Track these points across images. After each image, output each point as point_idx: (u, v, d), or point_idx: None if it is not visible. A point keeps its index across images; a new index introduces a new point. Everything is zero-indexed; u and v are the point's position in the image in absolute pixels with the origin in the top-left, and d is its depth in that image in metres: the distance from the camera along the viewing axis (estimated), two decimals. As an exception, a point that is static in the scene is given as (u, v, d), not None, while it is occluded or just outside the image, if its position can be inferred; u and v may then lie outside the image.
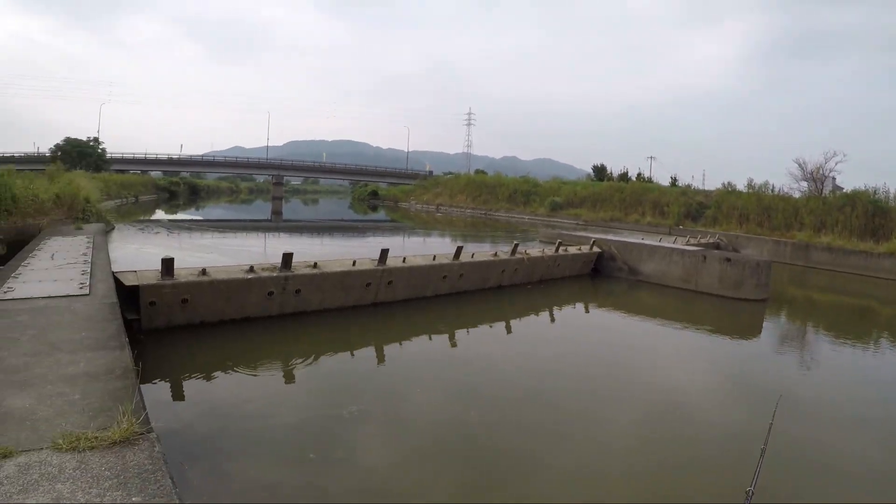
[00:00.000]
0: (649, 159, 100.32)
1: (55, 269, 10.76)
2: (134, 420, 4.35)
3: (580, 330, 15.22)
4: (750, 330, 16.31)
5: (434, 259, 15.96)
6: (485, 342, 12.99)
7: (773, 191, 45.21)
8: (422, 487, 6.39)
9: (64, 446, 3.97)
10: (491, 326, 14.24)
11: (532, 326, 14.89)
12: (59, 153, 63.50)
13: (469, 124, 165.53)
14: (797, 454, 7.94)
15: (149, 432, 4.34)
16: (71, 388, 5.07)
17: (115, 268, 11.57)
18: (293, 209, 75.91)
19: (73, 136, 69.25)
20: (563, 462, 7.23)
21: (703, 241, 31.83)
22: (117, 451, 4.01)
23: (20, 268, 10.62)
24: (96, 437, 4.10)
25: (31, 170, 40.24)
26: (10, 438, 4.08)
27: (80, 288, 9.11)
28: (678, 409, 9.35)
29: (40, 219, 18.30)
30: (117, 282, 10.44)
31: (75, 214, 20.22)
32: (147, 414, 4.66)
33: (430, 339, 12.62)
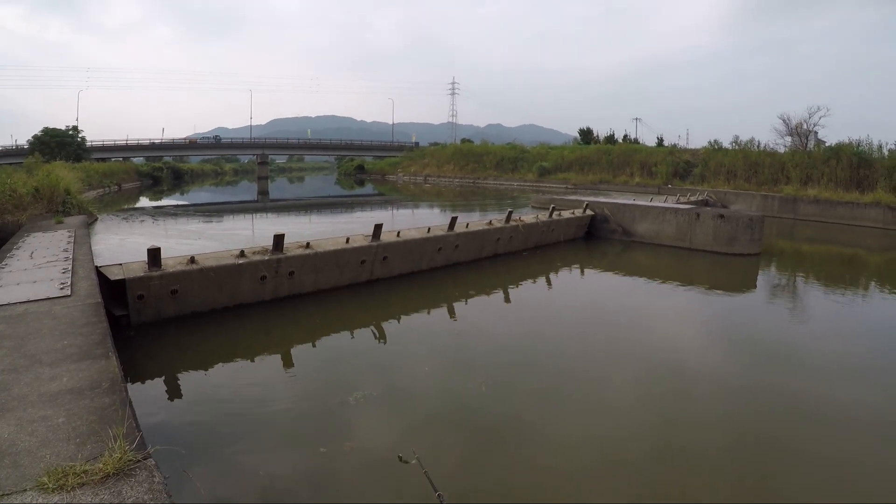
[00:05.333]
0: (635, 121, 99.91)
1: (35, 268, 10.25)
2: (127, 446, 3.87)
3: (577, 294, 15.19)
4: (745, 284, 16.47)
5: (429, 231, 15.69)
6: (483, 312, 12.84)
7: (758, 147, 45.77)
8: (430, 463, 6.21)
9: (50, 485, 3.48)
10: (489, 296, 14.05)
11: (529, 293, 14.75)
12: (38, 144, 62.24)
13: (453, 94, 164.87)
14: (797, 404, 8.15)
15: (146, 458, 3.85)
16: (54, 410, 4.58)
17: (99, 262, 11.15)
18: (279, 188, 75.07)
19: (51, 126, 67.95)
20: (565, 424, 7.33)
21: (692, 198, 32.01)
22: (111, 486, 3.54)
23: (-4, 271, 10.14)
24: (86, 472, 3.62)
25: (10, 164, 39.41)
26: (-11, 479, 3.62)
27: (61, 288, 8.62)
28: (677, 367, 9.47)
29: (19, 214, 17.71)
30: (102, 277, 10.04)
31: (55, 208, 19.54)
32: (142, 436, 4.19)
33: (429, 313, 12.39)
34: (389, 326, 11.33)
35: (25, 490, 3.48)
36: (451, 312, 12.47)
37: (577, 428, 7.19)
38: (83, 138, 70.42)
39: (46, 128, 67.17)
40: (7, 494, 3.43)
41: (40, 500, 3.37)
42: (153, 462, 3.86)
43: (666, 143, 65.94)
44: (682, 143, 64.94)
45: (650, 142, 70.10)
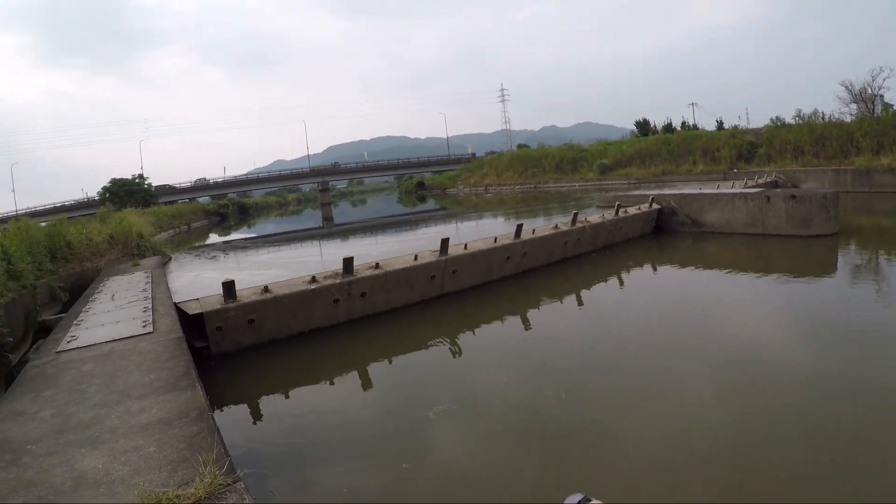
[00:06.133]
0: (691, 106, 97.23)
1: (117, 309, 10.68)
2: (217, 471, 3.97)
3: (650, 291, 14.74)
4: (824, 267, 15.55)
5: (496, 241, 15.60)
6: (557, 318, 12.65)
7: (823, 118, 43.79)
8: (509, 474, 6.23)
9: (145, 511, 3.57)
10: (561, 301, 13.81)
11: (602, 295, 14.43)
12: (108, 195, 64.70)
13: (503, 100, 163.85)
14: (886, 392, 7.64)
15: (235, 482, 3.93)
16: (145, 440, 4.74)
17: (176, 298, 11.49)
18: (343, 212, 76.07)
19: (118, 177, 70.62)
20: (646, 424, 7.10)
21: (760, 181, 30.95)
22: (204, 511, 3.61)
23: (82, 314, 10.57)
24: (178, 496, 3.71)
25: (83, 215, 41.04)
26: (88, 507, 3.72)
27: (144, 326, 8.97)
28: (757, 359, 9.03)
29: (97, 261, 18.50)
30: (181, 312, 10.34)
31: (130, 251, 20.37)
32: (231, 461, 4.28)
33: (503, 322, 12.28)
34: (464, 339, 11.27)
35: (121, 517, 3.54)
36: (525, 321, 12.32)
37: (659, 428, 6.94)
38: (149, 184, 72.82)
39: (114, 178, 69.88)
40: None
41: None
42: (243, 485, 3.94)
43: (726, 125, 64.11)
44: (742, 124, 63.12)
45: (709, 126, 68.20)
